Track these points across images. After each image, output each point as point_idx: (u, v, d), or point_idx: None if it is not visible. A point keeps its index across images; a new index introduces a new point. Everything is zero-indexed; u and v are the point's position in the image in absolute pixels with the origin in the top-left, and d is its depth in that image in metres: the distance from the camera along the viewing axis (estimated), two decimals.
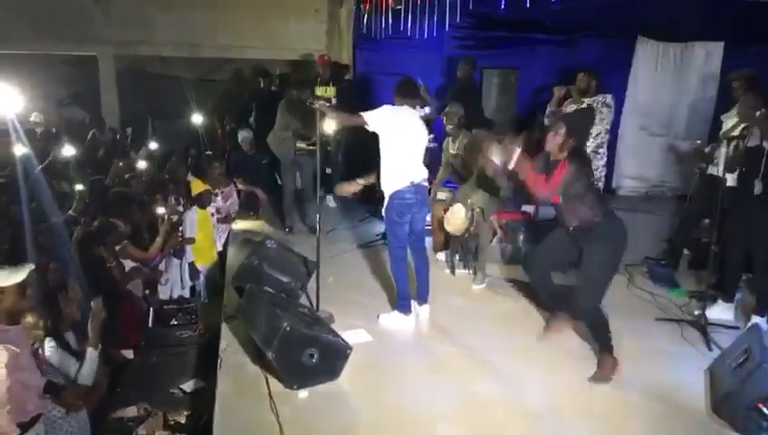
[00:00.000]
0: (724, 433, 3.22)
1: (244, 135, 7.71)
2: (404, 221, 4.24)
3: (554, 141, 3.72)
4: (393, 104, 4.29)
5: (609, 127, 5.55)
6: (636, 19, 7.91)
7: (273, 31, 9.78)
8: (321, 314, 4.41)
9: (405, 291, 4.39)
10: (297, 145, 6.64)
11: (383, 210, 4.32)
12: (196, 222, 6.20)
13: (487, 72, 8.20)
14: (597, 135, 5.45)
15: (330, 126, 4.45)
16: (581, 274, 3.73)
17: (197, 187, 6.28)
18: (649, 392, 3.58)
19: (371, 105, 4.34)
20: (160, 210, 5.59)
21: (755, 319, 4.35)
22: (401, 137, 4.18)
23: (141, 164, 6.77)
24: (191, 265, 6.25)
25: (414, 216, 4.28)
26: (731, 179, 4.49)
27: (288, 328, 3.38)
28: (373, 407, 3.43)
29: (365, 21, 8.12)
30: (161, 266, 5.91)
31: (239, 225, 6.95)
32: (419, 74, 8.13)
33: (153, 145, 8.19)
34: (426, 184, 4.39)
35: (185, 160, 7.68)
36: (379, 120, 4.12)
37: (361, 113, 4.17)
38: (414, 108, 4.36)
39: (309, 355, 3.45)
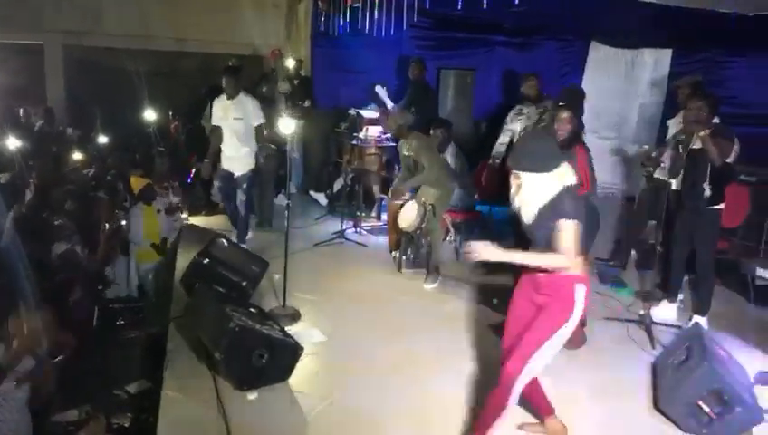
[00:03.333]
0: (666, 430, 3.31)
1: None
2: (224, 178, 5.75)
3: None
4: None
5: None
6: (590, 24, 8.08)
7: (229, 25, 9.59)
8: (288, 311, 4.38)
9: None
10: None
11: None
12: (142, 218, 6.05)
13: (444, 73, 8.22)
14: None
15: (288, 127, 4.44)
16: None
17: (138, 183, 6.13)
18: (595, 390, 3.66)
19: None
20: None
21: (696, 318, 4.50)
22: (217, 119, 5.63)
23: (77, 155, 6.55)
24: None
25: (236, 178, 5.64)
26: (675, 183, 4.63)
27: (237, 328, 3.32)
28: (324, 407, 3.39)
29: (323, 18, 8.08)
30: (107, 270, 5.76)
31: (191, 221, 6.81)
32: (377, 73, 8.20)
33: (101, 139, 7.96)
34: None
35: (132, 155, 7.50)
36: (214, 117, 5.69)
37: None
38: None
39: (258, 356, 3.38)
